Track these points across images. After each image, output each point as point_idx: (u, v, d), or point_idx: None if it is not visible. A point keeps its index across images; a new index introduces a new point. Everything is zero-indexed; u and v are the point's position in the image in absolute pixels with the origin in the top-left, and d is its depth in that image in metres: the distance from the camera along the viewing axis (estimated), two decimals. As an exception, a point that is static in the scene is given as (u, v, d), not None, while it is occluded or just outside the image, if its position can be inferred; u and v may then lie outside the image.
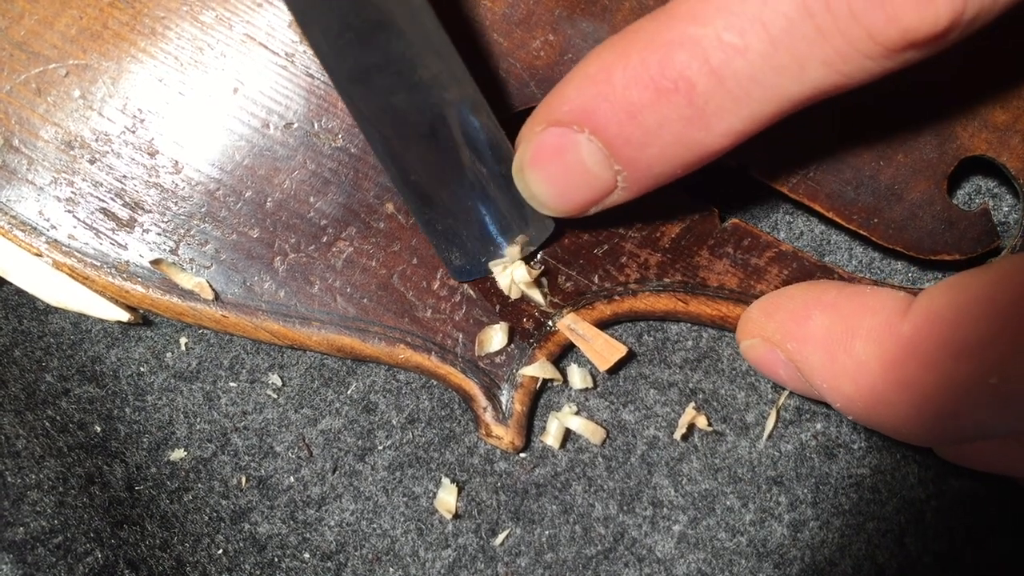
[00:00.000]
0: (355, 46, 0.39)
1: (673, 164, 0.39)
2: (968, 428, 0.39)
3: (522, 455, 0.51)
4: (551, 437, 0.51)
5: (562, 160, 0.40)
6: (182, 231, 0.46)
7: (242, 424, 0.51)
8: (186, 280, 0.46)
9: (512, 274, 0.47)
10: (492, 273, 0.47)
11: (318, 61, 0.41)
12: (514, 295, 0.48)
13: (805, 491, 0.51)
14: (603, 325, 0.49)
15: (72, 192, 0.45)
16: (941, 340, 0.37)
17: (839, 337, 0.41)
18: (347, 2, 0.38)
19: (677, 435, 0.51)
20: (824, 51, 0.35)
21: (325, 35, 0.39)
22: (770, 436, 0.51)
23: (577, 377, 0.51)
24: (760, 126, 0.37)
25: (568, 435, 0.51)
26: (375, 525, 0.51)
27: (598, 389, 0.52)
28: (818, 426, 0.52)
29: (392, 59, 0.39)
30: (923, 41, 0.34)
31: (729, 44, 0.35)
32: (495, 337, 0.48)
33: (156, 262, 0.46)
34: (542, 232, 0.46)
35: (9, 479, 0.47)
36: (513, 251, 0.46)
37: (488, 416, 0.49)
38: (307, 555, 0.51)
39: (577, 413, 0.51)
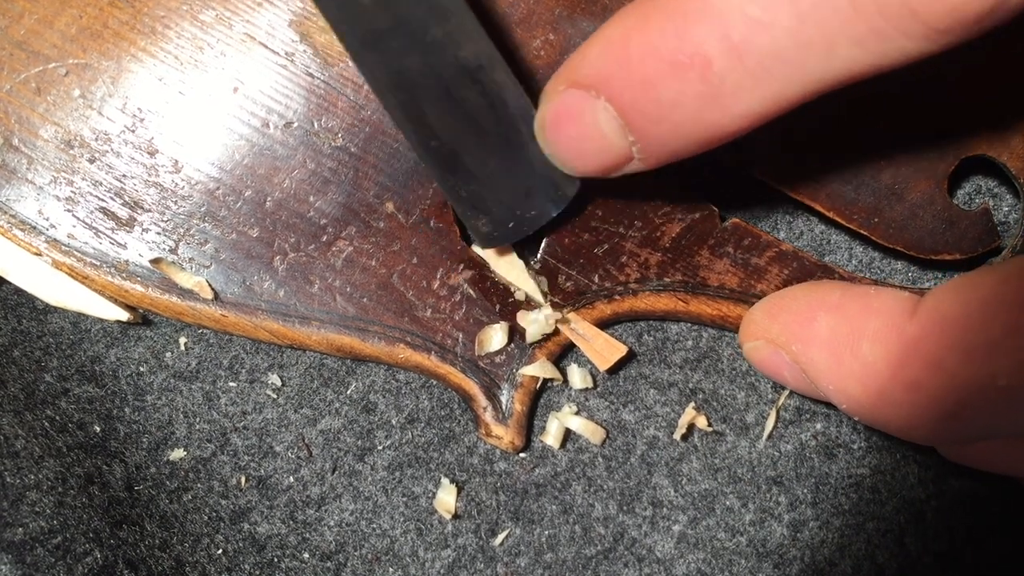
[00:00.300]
0: (365, 9, 0.38)
1: (688, 142, 0.38)
2: (976, 429, 0.39)
3: (522, 455, 0.51)
4: (551, 437, 0.51)
5: (579, 123, 0.39)
6: (182, 230, 0.46)
7: (241, 424, 0.51)
8: (185, 279, 0.46)
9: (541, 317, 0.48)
10: (515, 240, 0.46)
11: (330, 28, 0.40)
12: (519, 296, 0.48)
13: (805, 491, 0.51)
14: (603, 325, 0.49)
15: (72, 191, 0.45)
16: (949, 341, 0.37)
17: (845, 339, 0.40)
18: None
19: (677, 435, 0.51)
20: (858, 28, 0.33)
21: (335, 2, 0.38)
22: (770, 436, 0.51)
23: (577, 377, 0.51)
24: (780, 109, 0.36)
25: (568, 435, 0.51)
26: (375, 525, 0.51)
27: (598, 389, 0.52)
28: (818, 426, 0.52)
29: (402, 20, 0.38)
30: (972, 20, 0.32)
31: (753, 18, 0.33)
32: (495, 336, 0.48)
33: (155, 261, 0.46)
34: (564, 196, 0.44)
35: (8, 479, 0.47)
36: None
37: (488, 416, 0.49)
38: (307, 555, 0.51)
39: (577, 413, 0.51)
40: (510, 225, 0.45)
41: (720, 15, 0.34)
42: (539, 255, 0.48)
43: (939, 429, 0.39)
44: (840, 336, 0.41)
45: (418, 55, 0.39)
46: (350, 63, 0.45)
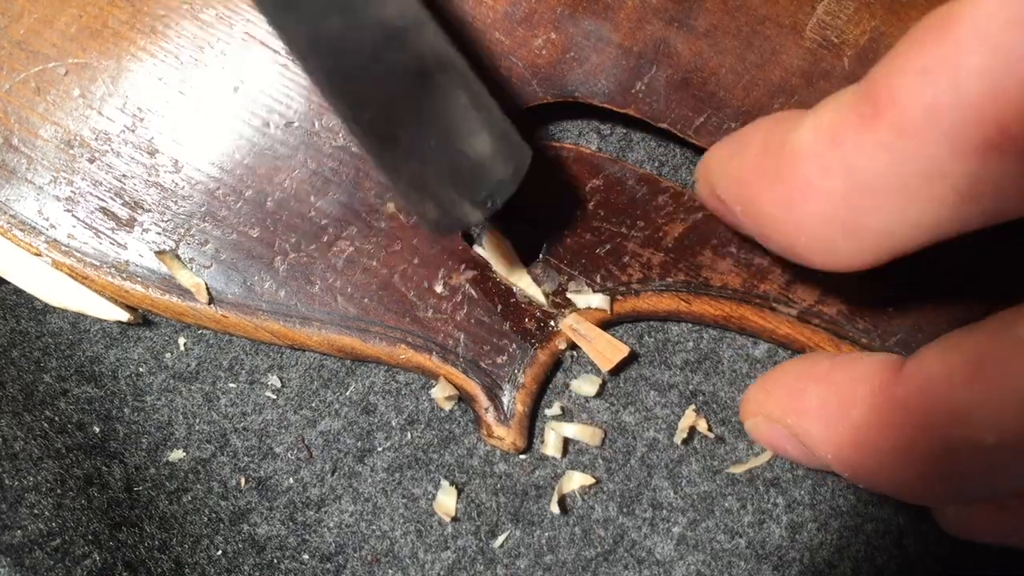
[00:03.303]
0: None
1: None
2: (971, 488, 0.39)
3: (522, 457, 0.51)
4: (551, 448, 0.51)
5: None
6: (182, 230, 0.46)
7: (241, 425, 0.51)
8: (186, 278, 0.46)
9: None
10: (469, 226, 0.44)
11: None
12: (520, 297, 0.48)
13: (802, 493, 0.51)
14: (606, 325, 0.49)
15: (71, 191, 0.45)
16: (935, 403, 0.37)
17: (835, 408, 0.41)
18: None
19: (677, 439, 0.51)
20: None
21: None
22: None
23: (585, 384, 0.51)
24: None
25: (567, 439, 0.51)
26: (374, 527, 0.51)
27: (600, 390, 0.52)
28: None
29: None
30: None
31: None
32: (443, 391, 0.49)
33: (160, 253, 0.46)
34: (519, 167, 0.40)
35: (7, 481, 0.47)
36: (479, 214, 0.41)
37: (489, 416, 0.49)
38: (306, 556, 0.51)
39: (571, 420, 0.51)
40: (461, 208, 0.40)
41: None
42: (541, 256, 0.48)
43: (936, 490, 0.40)
44: (830, 406, 0.42)
45: (337, 16, 0.36)
46: None
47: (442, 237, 0.47)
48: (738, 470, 0.51)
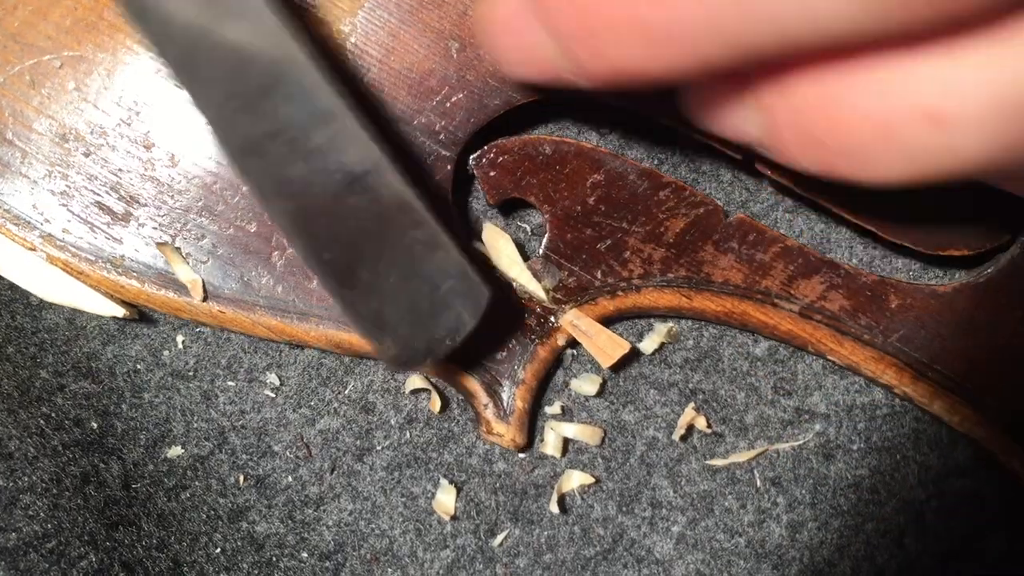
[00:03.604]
0: (243, 114, 0.38)
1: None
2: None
3: (521, 455, 0.51)
4: (550, 447, 0.50)
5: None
6: (178, 225, 0.46)
7: (240, 423, 0.51)
8: (184, 272, 0.46)
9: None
10: (426, 362, 0.43)
11: (212, 132, 0.39)
12: (519, 292, 0.48)
13: (803, 492, 0.51)
14: (606, 321, 0.49)
15: (67, 186, 0.45)
16: None
17: None
18: (230, 68, 0.37)
19: (676, 436, 0.51)
20: None
21: (211, 105, 0.38)
22: (768, 438, 0.51)
23: (585, 383, 0.51)
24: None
25: (567, 438, 0.51)
26: (373, 525, 0.51)
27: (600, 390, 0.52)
28: (816, 427, 0.51)
29: (283, 126, 0.37)
30: None
31: None
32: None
33: (161, 244, 0.46)
34: (476, 305, 0.42)
35: (1, 483, 0.46)
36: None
37: (489, 413, 0.48)
38: (305, 555, 0.51)
39: (571, 420, 0.51)
40: (419, 345, 0.42)
41: None
42: (541, 251, 0.48)
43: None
44: None
45: (301, 162, 0.38)
46: None
47: (400, 372, 0.47)
48: (719, 463, 0.51)
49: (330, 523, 0.51)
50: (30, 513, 0.46)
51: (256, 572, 0.51)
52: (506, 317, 0.48)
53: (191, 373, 0.51)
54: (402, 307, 0.41)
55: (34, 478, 0.47)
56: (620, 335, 0.49)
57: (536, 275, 0.48)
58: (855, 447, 0.52)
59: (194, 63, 0.37)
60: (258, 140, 0.38)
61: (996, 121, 0.30)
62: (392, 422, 0.51)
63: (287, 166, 0.38)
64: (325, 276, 0.40)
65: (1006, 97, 0.30)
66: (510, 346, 0.48)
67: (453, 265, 0.41)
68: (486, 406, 0.48)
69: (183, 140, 0.45)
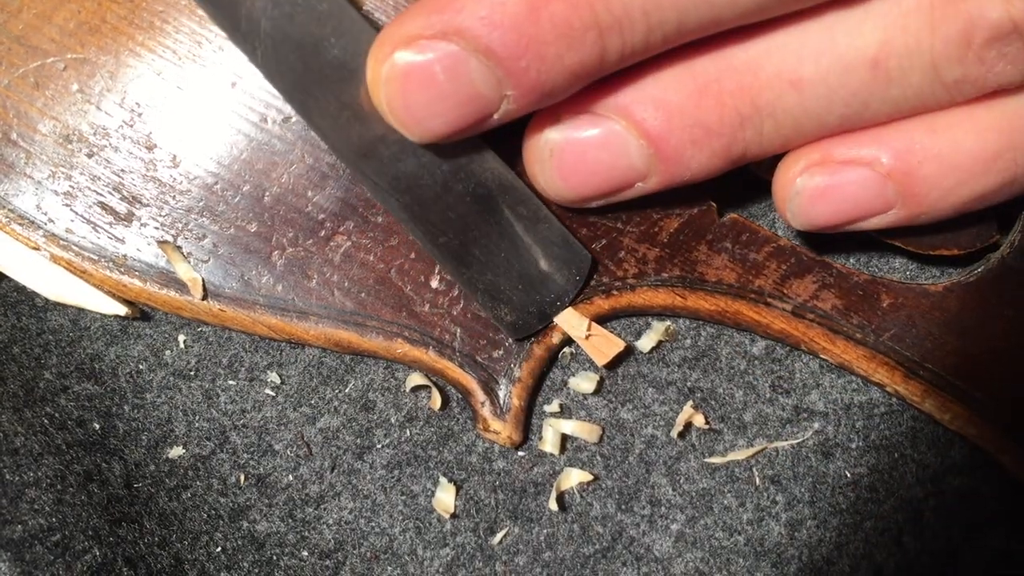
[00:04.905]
0: (355, 123, 0.41)
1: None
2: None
3: (520, 453, 0.51)
4: (549, 444, 0.51)
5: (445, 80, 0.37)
6: (180, 225, 0.46)
7: (241, 422, 0.51)
8: (185, 270, 0.46)
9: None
10: (541, 326, 0.48)
11: (326, 144, 0.44)
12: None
13: (802, 490, 0.51)
14: (601, 320, 0.49)
15: (70, 186, 0.45)
16: None
17: None
18: (339, 81, 0.41)
19: (674, 433, 0.51)
20: None
21: (325, 118, 0.41)
22: (767, 436, 0.51)
23: (583, 381, 0.51)
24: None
25: (565, 436, 0.51)
26: (373, 524, 0.51)
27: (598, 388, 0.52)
28: (815, 425, 0.51)
29: (391, 129, 0.40)
30: None
31: None
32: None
33: (163, 243, 0.46)
34: (580, 269, 0.47)
35: (7, 477, 0.47)
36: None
37: (486, 410, 0.49)
38: (305, 553, 0.51)
39: (570, 417, 0.51)
40: (531, 311, 0.47)
41: None
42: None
43: None
44: None
45: (411, 158, 0.43)
46: None
47: (519, 339, 0.49)
48: (718, 462, 0.51)
49: (330, 521, 0.51)
50: (35, 507, 0.47)
51: (257, 570, 0.51)
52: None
53: (193, 372, 0.52)
54: (514, 277, 0.47)
55: (39, 473, 0.47)
56: (617, 334, 0.49)
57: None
58: (853, 445, 0.52)
59: (307, 81, 0.41)
60: (371, 144, 0.42)
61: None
62: (392, 420, 0.51)
63: (398, 164, 0.43)
64: (444, 258, 0.46)
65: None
66: (506, 344, 0.49)
67: (556, 235, 0.46)
68: (483, 403, 0.49)
69: (185, 141, 0.46)
